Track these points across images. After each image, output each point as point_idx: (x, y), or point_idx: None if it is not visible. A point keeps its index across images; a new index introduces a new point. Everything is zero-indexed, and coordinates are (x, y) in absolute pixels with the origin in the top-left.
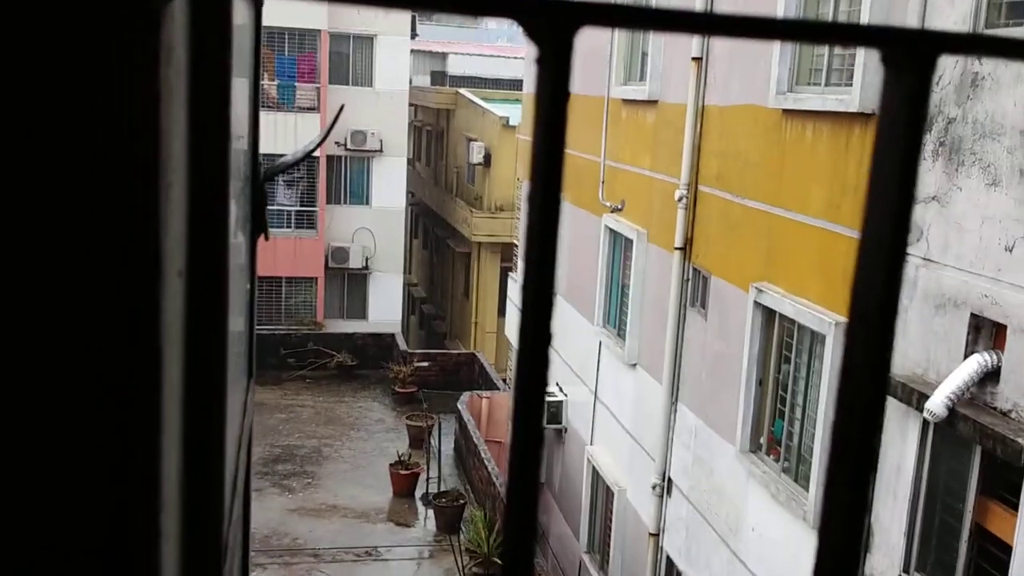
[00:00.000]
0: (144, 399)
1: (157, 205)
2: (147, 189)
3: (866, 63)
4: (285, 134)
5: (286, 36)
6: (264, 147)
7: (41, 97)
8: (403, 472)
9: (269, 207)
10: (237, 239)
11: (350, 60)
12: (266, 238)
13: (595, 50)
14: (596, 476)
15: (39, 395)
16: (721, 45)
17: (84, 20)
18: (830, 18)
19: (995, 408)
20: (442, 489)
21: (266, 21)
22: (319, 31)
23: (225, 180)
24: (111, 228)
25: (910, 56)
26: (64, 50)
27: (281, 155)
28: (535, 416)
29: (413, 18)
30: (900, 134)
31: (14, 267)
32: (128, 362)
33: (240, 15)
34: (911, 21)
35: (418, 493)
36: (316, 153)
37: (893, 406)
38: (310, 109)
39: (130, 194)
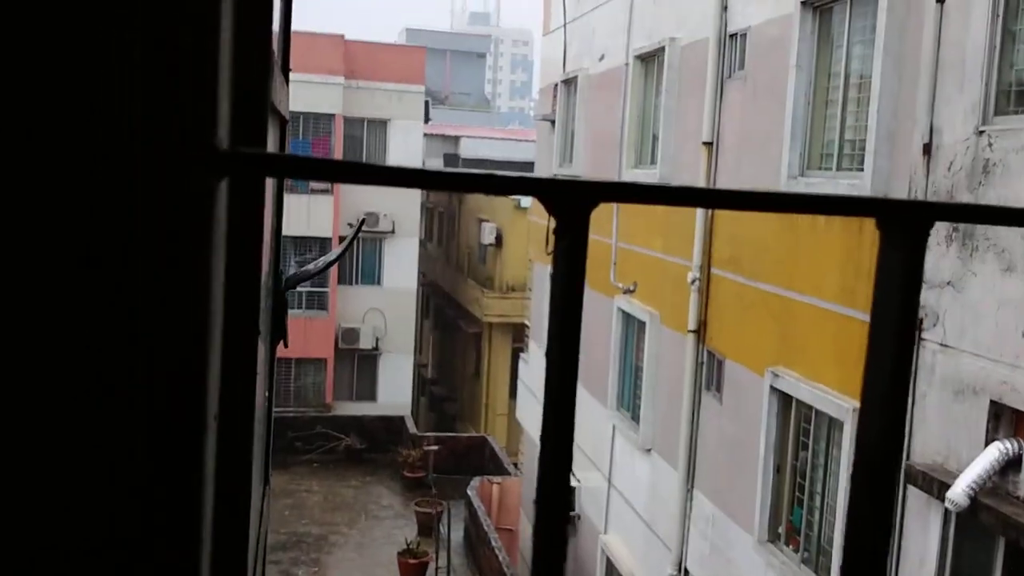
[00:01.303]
0: (184, 544)
1: (206, 366)
2: (197, 343)
3: (877, 148)
4: (298, 216)
5: (301, 119)
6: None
7: (131, 267)
8: (411, 561)
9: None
10: (259, 351)
11: (363, 143)
12: (285, 345)
13: (606, 134)
14: (610, 566)
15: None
16: (731, 130)
17: (153, 203)
18: (839, 107)
19: (1017, 497)
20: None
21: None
22: (333, 115)
23: (254, 328)
24: (163, 377)
25: (904, 226)
26: (141, 228)
27: (295, 237)
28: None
29: (426, 103)
30: (897, 297)
31: (68, 415)
32: (170, 509)
33: (271, 136)
34: (920, 111)
35: None
36: (329, 234)
37: (914, 495)
38: (323, 191)
39: (180, 349)
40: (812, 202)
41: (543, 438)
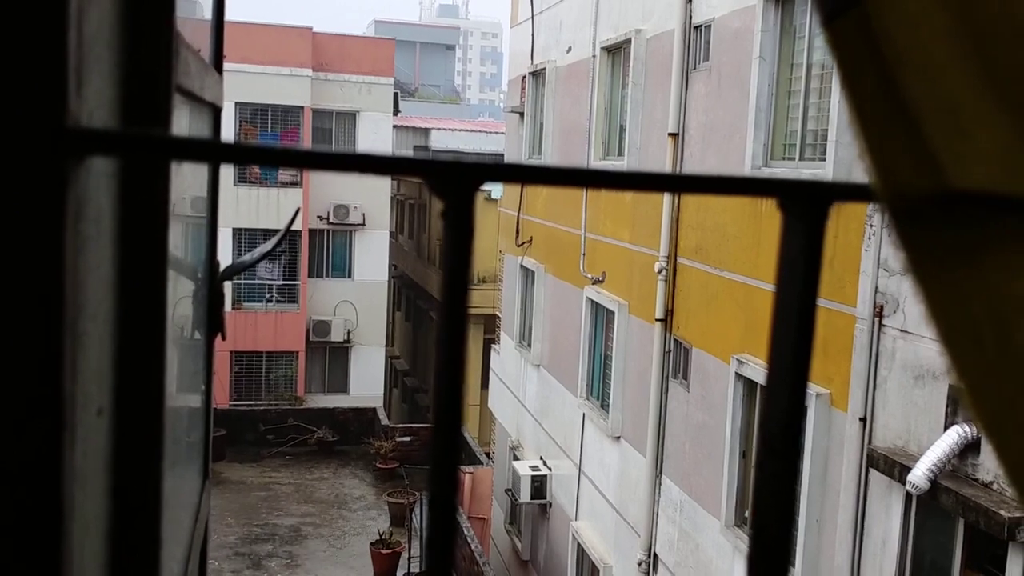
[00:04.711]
0: (46, 546)
1: (60, 360)
2: (49, 346)
3: (838, 138)
4: (268, 209)
5: (269, 112)
6: (247, 222)
7: None
8: (384, 551)
9: (251, 281)
10: (193, 340)
11: (333, 135)
12: (223, 338)
13: (574, 126)
14: (581, 552)
15: None
16: (697, 121)
17: None
18: (802, 97)
19: (976, 480)
20: (424, 568)
21: (249, 97)
22: (302, 107)
23: (161, 319)
24: (8, 379)
25: (805, 205)
26: None
27: (264, 229)
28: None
29: (395, 94)
30: (799, 276)
31: None
32: (28, 507)
33: (196, 129)
34: None
35: (400, 573)
36: (299, 227)
37: (876, 478)
38: (292, 184)
39: (30, 347)
40: (712, 183)
41: (434, 425)
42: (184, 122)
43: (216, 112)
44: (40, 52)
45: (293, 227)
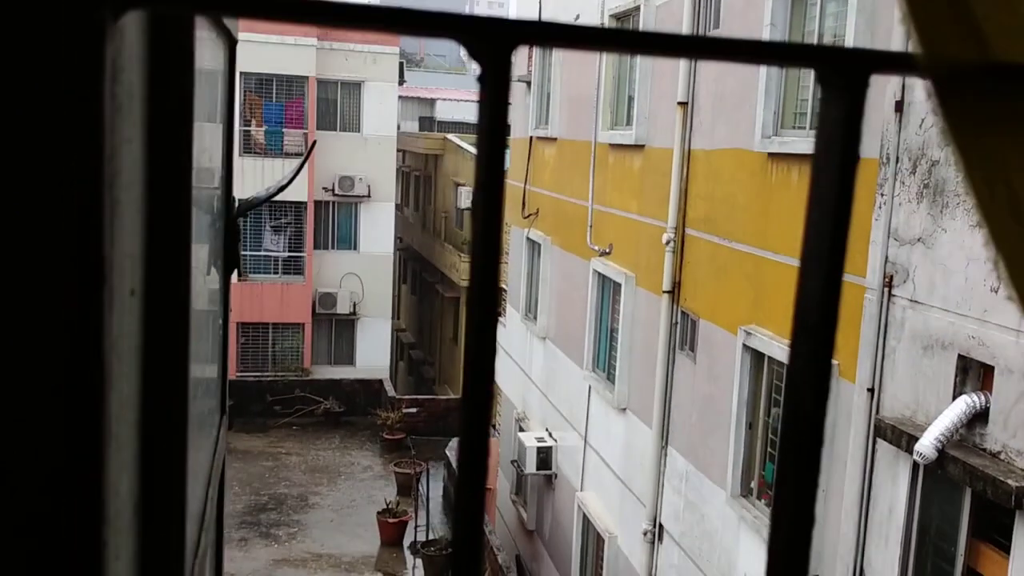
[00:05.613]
0: (88, 411)
1: (100, 217)
2: (89, 201)
3: None
4: (273, 179)
5: (274, 82)
6: (252, 192)
7: None
8: (391, 520)
9: (256, 253)
10: (210, 275)
11: (338, 106)
12: (239, 275)
13: (582, 95)
14: (587, 523)
15: None
16: (706, 90)
17: (24, 32)
18: (816, 31)
19: (984, 449)
20: (431, 537)
21: (254, 67)
22: (307, 77)
23: (187, 197)
24: (49, 238)
25: (843, 75)
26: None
27: (270, 199)
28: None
29: (401, 65)
30: (837, 152)
31: None
32: (70, 373)
33: (212, 59)
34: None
35: (406, 542)
36: (304, 199)
37: (883, 448)
38: (298, 154)
39: (70, 204)
40: (748, 49)
41: (465, 359)
42: (207, 53)
43: (232, 45)
44: None
45: (296, 198)
